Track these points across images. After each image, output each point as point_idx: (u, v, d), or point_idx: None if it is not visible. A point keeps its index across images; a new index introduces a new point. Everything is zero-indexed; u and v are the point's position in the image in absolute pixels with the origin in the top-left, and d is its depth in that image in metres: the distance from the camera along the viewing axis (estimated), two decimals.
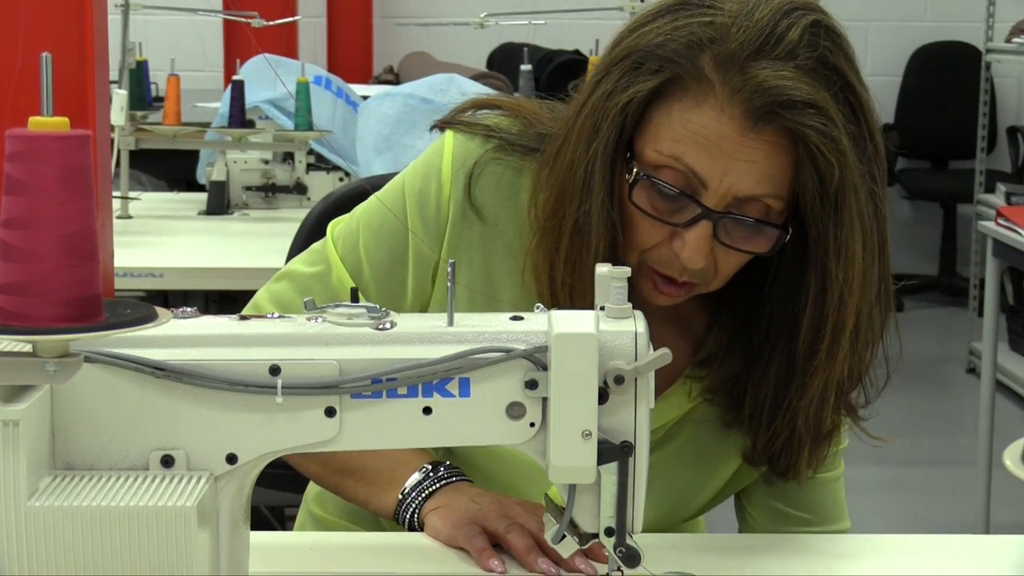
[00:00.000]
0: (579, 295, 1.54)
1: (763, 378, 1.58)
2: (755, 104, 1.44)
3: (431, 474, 1.60)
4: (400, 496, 1.59)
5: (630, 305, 1.30)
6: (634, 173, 1.50)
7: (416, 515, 1.58)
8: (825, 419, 1.57)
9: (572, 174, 1.53)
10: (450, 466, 1.62)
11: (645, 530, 1.32)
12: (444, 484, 1.59)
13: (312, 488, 1.84)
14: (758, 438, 1.61)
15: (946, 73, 7.76)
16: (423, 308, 1.65)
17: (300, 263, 1.71)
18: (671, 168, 1.48)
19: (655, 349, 1.26)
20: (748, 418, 1.60)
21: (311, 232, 2.26)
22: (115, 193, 3.65)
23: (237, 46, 5.50)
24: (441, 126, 1.68)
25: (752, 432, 1.61)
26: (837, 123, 1.45)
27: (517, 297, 1.61)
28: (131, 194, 3.94)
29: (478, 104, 1.69)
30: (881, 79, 7.74)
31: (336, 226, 1.71)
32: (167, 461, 1.25)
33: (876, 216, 1.51)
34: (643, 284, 1.54)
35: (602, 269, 1.31)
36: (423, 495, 1.58)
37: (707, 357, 1.64)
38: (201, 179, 4.24)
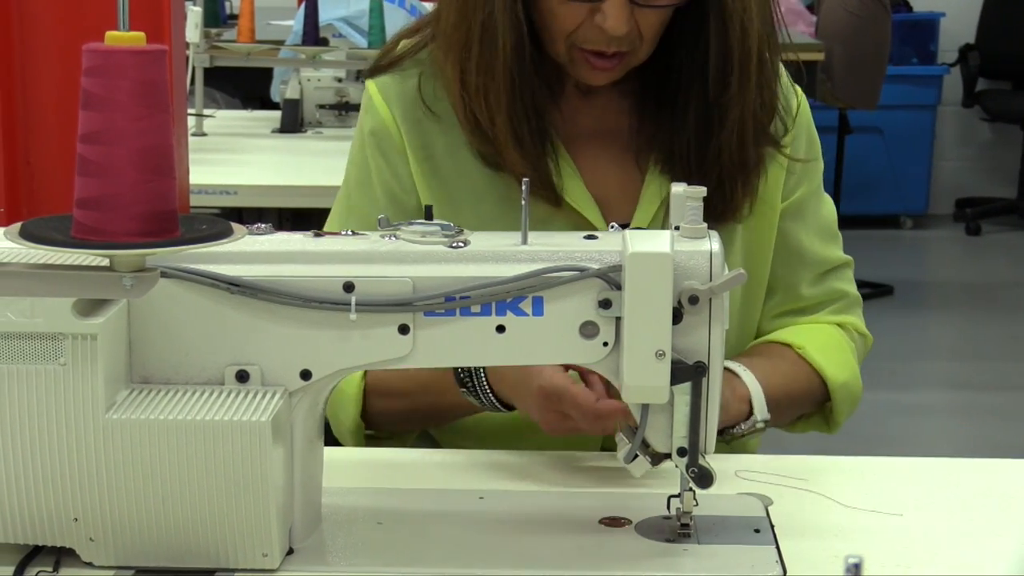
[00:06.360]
0: (493, 96, 1.63)
1: (683, 124, 1.65)
2: None
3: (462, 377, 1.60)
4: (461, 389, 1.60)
5: (705, 225, 1.29)
6: None
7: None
8: (748, 151, 1.64)
9: None
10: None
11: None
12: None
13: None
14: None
15: None
16: None
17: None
18: None
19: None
20: (679, 169, 1.66)
21: None
22: (190, 110, 3.65)
23: None
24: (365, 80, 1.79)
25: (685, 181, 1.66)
26: None
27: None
28: (205, 111, 3.95)
29: (392, 42, 1.78)
30: None
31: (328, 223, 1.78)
32: (242, 376, 1.26)
33: None
34: (580, 70, 1.64)
35: (677, 189, 1.30)
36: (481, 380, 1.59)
37: (650, 132, 1.70)
38: (275, 97, 4.25)
